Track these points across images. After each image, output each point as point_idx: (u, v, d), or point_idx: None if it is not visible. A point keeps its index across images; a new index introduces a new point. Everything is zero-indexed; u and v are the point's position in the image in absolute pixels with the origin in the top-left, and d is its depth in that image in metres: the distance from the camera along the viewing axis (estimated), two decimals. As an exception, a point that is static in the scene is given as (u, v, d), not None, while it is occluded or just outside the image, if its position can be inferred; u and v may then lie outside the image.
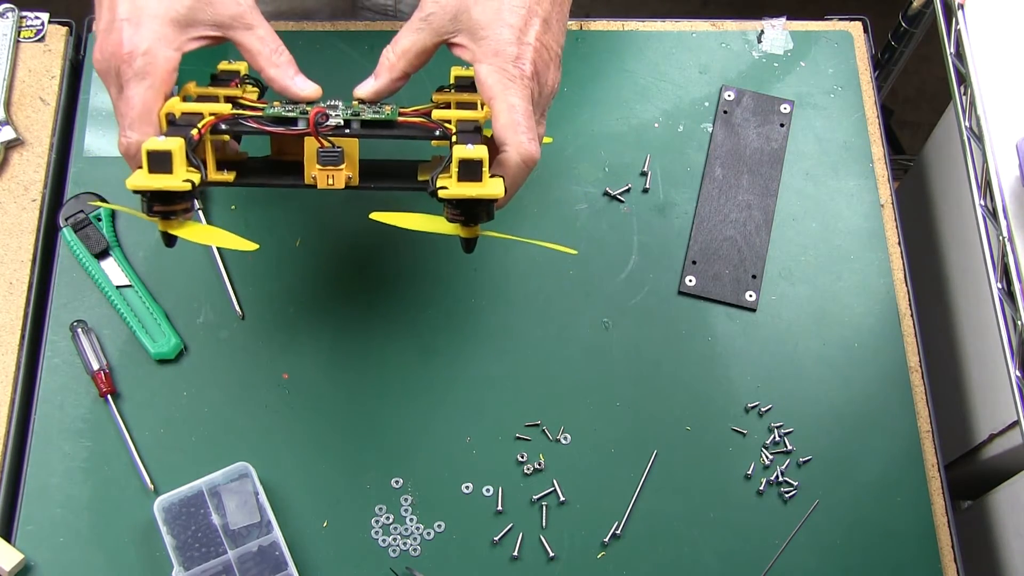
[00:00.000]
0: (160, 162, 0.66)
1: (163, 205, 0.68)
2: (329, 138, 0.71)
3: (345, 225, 0.92)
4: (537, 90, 0.73)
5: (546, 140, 0.71)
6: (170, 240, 0.71)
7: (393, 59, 0.74)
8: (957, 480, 1.02)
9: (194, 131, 0.69)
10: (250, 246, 0.73)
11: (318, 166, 0.71)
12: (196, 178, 0.67)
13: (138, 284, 0.88)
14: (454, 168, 0.67)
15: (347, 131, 0.72)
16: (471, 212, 0.69)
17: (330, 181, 0.71)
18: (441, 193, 0.67)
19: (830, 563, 0.83)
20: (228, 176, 0.74)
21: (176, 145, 0.66)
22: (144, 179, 0.66)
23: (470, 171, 0.67)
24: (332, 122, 0.71)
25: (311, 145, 0.71)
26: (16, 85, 0.95)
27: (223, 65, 0.79)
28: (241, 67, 0.79)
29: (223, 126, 0.72)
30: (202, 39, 0.73)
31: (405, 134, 0.73)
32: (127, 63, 0.70)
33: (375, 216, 0.78)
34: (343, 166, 0.71)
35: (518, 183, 0.72)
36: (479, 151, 0.67)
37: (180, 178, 0.66)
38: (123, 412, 0.85)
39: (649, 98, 1.00)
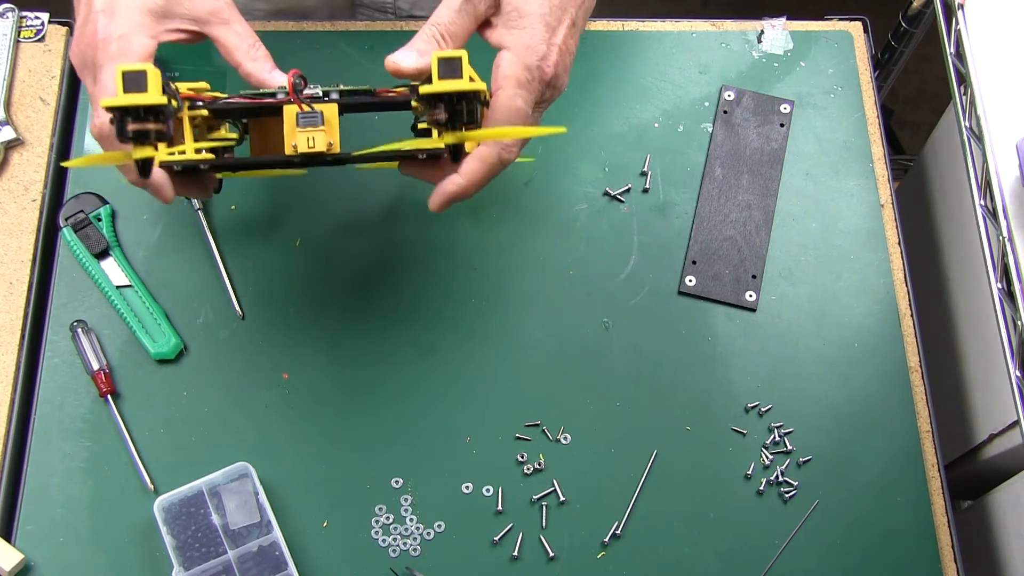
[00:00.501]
0: (135, 82, 0.65)
1: (137, 123, 0.66)
2: (309, 104, 0.71)
3: (345, 225, 0.92)
4: (549, 94, 0.74)
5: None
6: (145, 168, 0.69)
7: (445, 45, 0.74)
8: (957, 480, 1.02)
9: (173, 86, 0.69)
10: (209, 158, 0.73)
11: (298, 129, 0.70)
12: (173, 102, 0.67)
13: (138, 284, 0.88)
14: (434, 68, 0.67)
15: (326, 99, 0.72)
16: (454, 110, 0.68)
17: (310, 144, 0.70)
18: (422, 90, 0.67)
19: (830, 563, 0.83)
20: (208, 156, 0.73)
21: (151, 67, 0.66)
22: (119, 98, 0.65)
23: (450, 68, 0.67)
24: (309, 92, 0.72)
25: (290, 117, 0.71)
26: (16, 85, 0.95)
27: None
28: None
29: (200, 103, 0.72)
30: (178, 32, 0.73)
31: (384, 100, 0.73)
32: (102, 49, 0.70)
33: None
34: (323, 127, 0.70)
35: (487, 178, 0.72)
36: (458, 52, 0.67)
37: (156, 94, 0.66)
38: (123, 412, 0.85)
39: (649, 98, 1.00)
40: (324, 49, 0.99)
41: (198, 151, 0.73)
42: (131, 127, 0.66)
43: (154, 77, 0.66)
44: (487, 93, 0.69)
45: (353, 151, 0.72)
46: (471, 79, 0.67)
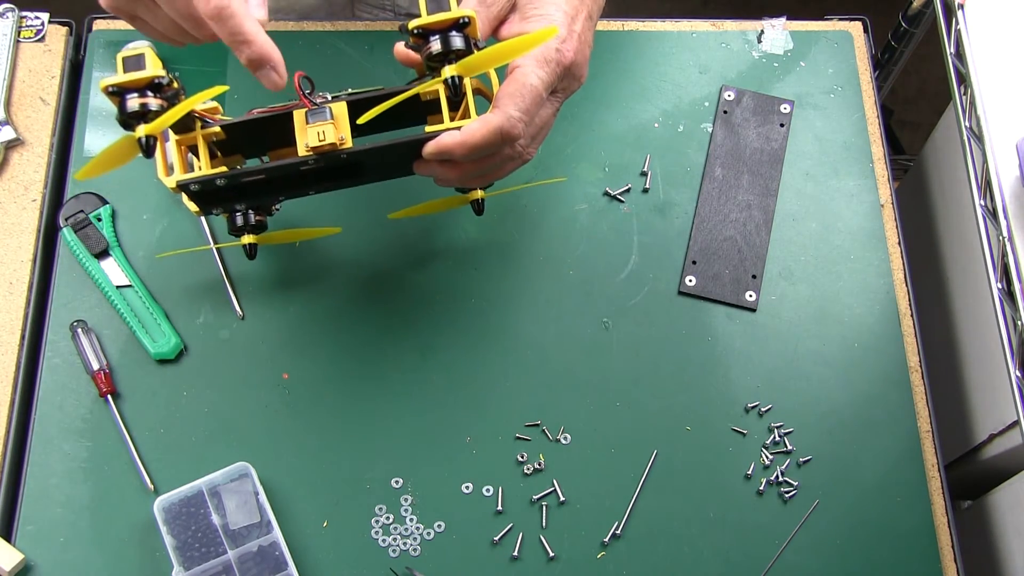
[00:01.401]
0: (134, 63, 0.67)
1: (140, 97, 0.68)
2: (317, 103, 0.73)
3: (345, 225, 0.92)
4: (567, 83, 0.74)
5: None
6: (150, 147, 0.69)
7: None
8: (957, 480, 1.02)
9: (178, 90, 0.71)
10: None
11: (308, 127, 0.71)
12: (174, 83, 0.69)
13: (138, 284, 0.88)
14: (422, 7, 0.69)
15: (333, 100, 0.74)
16: (447, 42, 0.69)
17: (321, 137, 0.71)
18: (411, 24, 0.69)
19: (830, 563, 0.83)
20: (222, 168, 0.74)
21: (148, 49, 0.68)
22: (119, 76, 0.67)
23: (437, 4, 0.69)
24: (319, 100, 0.73)
25: (301, 120, 0.72)
26: (16, 85, 0.95)
27: None
28: None
29: (213, 123, 0.73)
30: None
31: (391, 92, 0.74)
32: None
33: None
34: (332, 120, 0.71)
35: (485, 143, 0.71)
36: None
37: (155, 68, 0.67)
38: (123, 412, 0.85)
39: (649, 98, 1.00)
40: (324, 50, 0.99)
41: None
42: (134, 102, 0.67)
43: (152, 56, 0.67)
44: (475, 21, 0.70)
45: (366, 145, 0.73)
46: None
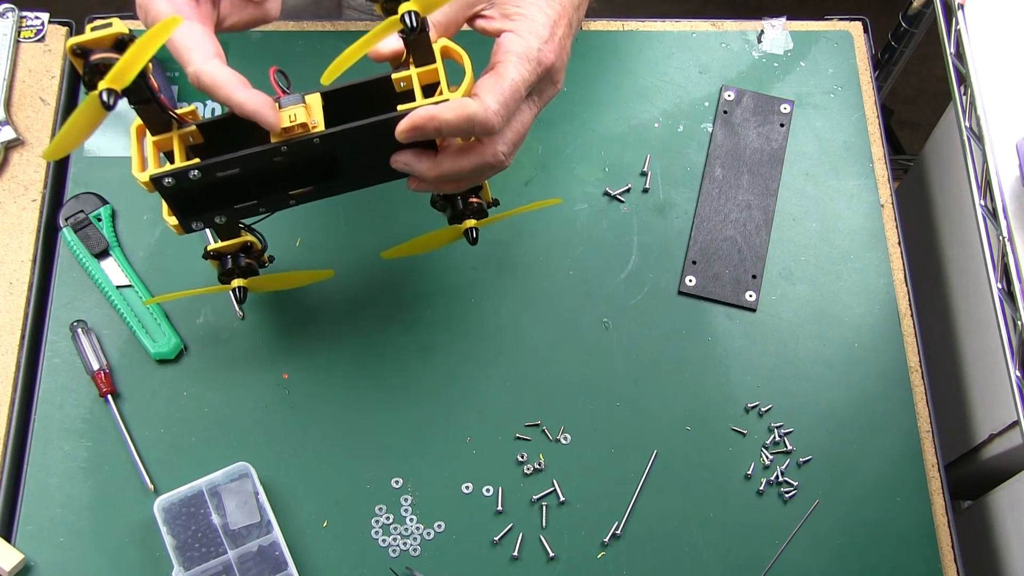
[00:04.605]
0: (102, 27, 0.68)
1: (103, 53, 0.68)
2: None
3: (345, 225, 0.92)
4: (545, 86, 0.74)
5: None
6: (111, 103, 0.67)
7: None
8: (957, 480, 1.02)
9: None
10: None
11: (280, 110, 0.71)
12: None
13: (138, 284, 0.89)
14: None
15: (307, 91, 0.73)
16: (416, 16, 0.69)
17: (292, 118, 0.71)
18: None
19: (830, 563, 0.83)
20: (195, 160, 0.74)
21: (117, 19, 0.68)
22: (86, 35, 0.67)
23: None
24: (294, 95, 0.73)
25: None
26: (16, 85, 0.95)
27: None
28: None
29: (190, 125, 0.73)
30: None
31: (364, 82, 0.74)
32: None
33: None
34: (303, 104, 0.71)
35: (455, 129, 0.70)
36: None
37: (120, 28, 0.67)
38: (123, 412, 0.85)
39: (649, 98, 1.00)
40: (324, 49, 0.99)
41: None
42: (97, 57, 0.67)
43: (119, 22, 0.68)
44: None
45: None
46: None
